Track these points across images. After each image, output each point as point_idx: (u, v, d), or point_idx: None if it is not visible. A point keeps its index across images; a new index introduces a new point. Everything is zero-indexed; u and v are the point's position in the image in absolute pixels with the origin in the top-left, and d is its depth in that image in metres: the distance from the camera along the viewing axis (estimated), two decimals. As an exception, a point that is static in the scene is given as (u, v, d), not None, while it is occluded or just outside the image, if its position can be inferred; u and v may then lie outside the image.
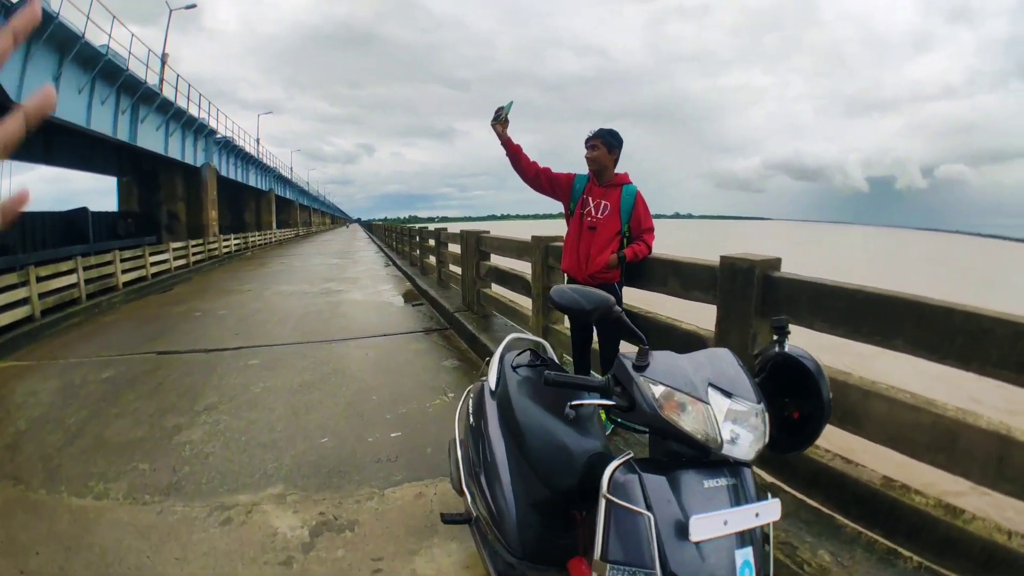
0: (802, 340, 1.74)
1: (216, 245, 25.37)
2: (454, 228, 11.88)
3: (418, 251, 14.40)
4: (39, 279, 10.30)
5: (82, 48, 15.13)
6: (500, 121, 3.83)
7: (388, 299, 11.31)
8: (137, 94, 19.60)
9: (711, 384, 1.42)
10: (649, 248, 3.88)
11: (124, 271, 14.68)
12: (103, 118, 17.88)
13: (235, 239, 29.79)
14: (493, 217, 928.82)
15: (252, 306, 11.06)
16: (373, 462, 3.93)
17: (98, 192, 28.58)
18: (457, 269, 9.48)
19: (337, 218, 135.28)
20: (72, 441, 4.51)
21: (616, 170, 3.90)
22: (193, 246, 21.54)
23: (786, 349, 1.57)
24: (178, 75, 23.63)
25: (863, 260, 52.58)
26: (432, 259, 12.27)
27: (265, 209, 47.60)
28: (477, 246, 7.40)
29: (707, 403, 1.38)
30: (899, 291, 2.46)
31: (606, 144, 3.80)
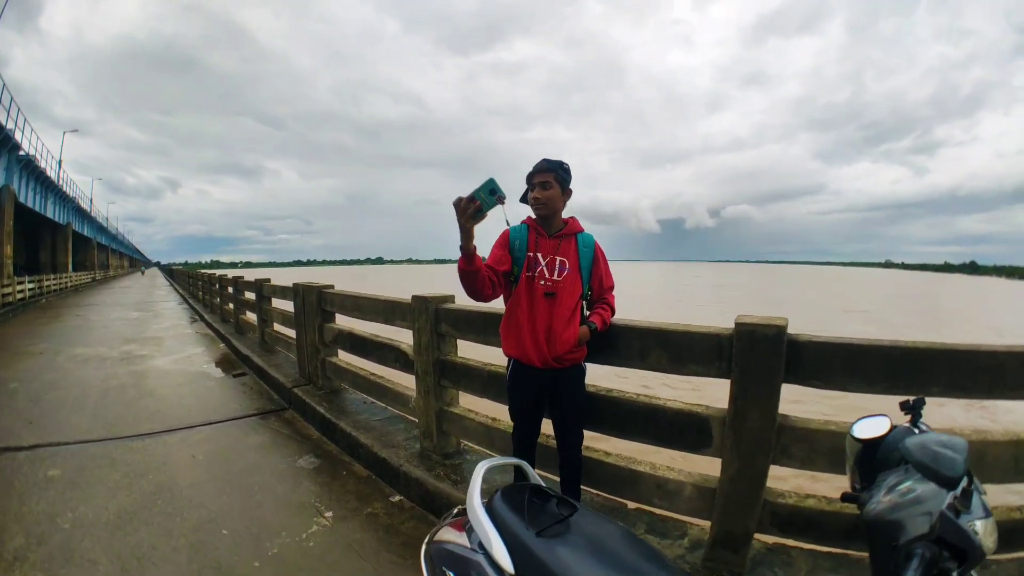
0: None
1: (10, 290, 21.29)
2: (258, 274, 10.75)
3: (231, 305, 12.46)
4: None
5: None
6: (475, 215, 2.47)
7: (202, 367, 9.57)
8: None
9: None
10: (613, 312, 3.06)
11: None
12: None
13: (29, 283, 24.69)
14: (299, 263, 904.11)
15: (45, 377, 9.11)
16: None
17: None
18: (286, 331, 7.93)
19: (136, 260, 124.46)
20: None
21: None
22: None
23: (926, 432, 1.35)
24: None
25: (659, 288, 56.26)
26: (250, 316, 10.54)
27: (61, 247, 41.14)
28: (319, 304, 6.04)
29: None
30: (931, 341, 2.48)
31: (559, 181, 2.88)
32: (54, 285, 31.17)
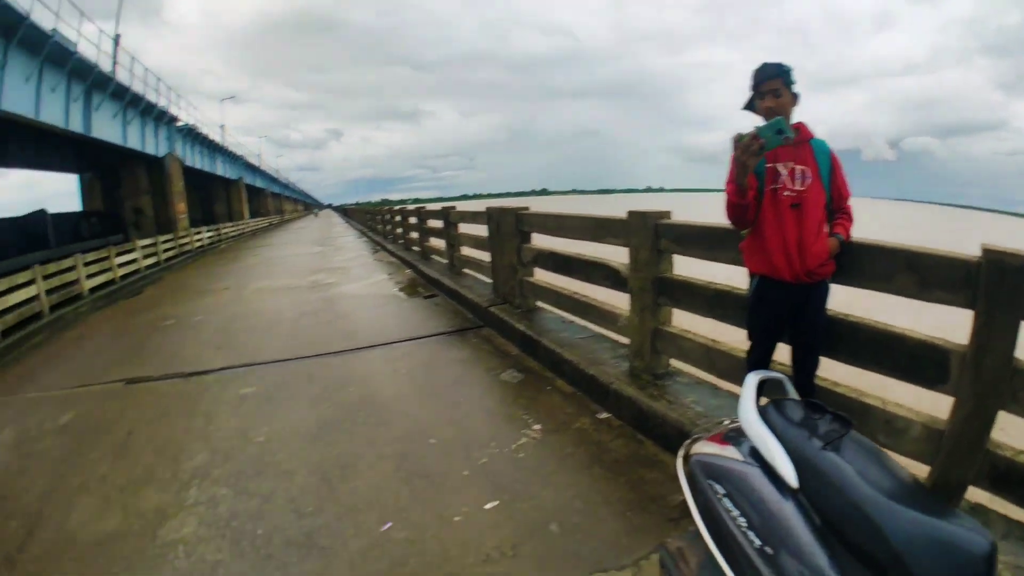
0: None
1: (187, 240, 24.05)
2: (429, 208, 10.91)
3: (415, 234, 12.91)
4: None
5: (28, 31, 13.50)
6: (759, 151, 2.36)
7: (392, 290, 9.84)
8: (89, 80, 17.96)
9: None
10: (852, 223, 2.76)
11: (89, 276, 13.35)
12: (53, 108, 16.23)
13: (207, 232, 28.26)
14: (465, 196, 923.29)
15: (232, 309, 9.59)
16: (480, 563, 2.58)
17: (69, 194, 27.04)
18: (476, 254, 8.08)
19: (309, 204, 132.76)
20: (31, 537, 3.18)
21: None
22: (163, 242, 20.19)
23: None
24: (133, 57, 21.74)
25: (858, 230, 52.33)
26: (436, 242, 10.86)
27: (236, 199, 46.02)
28: (516, 226, 5.98)
29: None
30: None
31: (787, 85, 2.59)
32: (232, 232, 34.71)
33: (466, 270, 8.80)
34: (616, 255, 4.45)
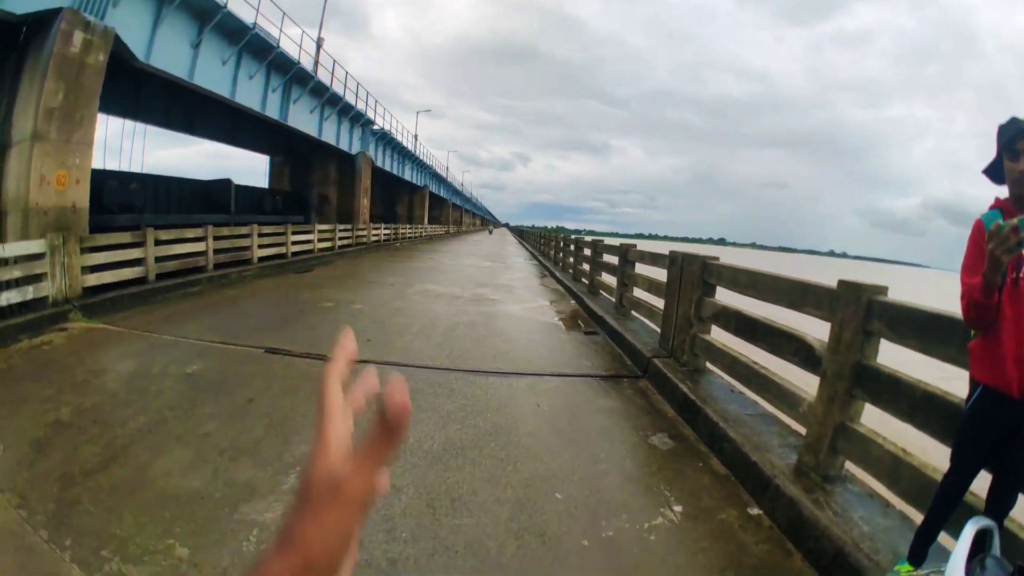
0: None
1: (365, 232, 25.65)
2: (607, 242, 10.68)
3: (586, 265, 12.62)
4: (160, 242, 10.08)
5: (224, 19, 14.79)
6: (1015, 247, 1.89)
7: (552, 319, 9.63)
8: (289, 74, 19.56)
9: None
10: None
11: (261, 246, 14.51)
12: (250, 93, 17.78)
13: (385, 228, 30.34)
14: (640, 235, 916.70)
15: (392, 304, 9.84)
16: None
17: (255, 172, 30.10)
18: (648, 298, 7.61)
19: (486, 220, 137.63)
20: (104, 469, 3.29)
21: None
22: (341, 230, 21.70)
23: None
24: (335, 61, 23.58)
25: None
26: (607, 279, 10.49)
27: (418, 204, 49.02)
28: (701, 275, 5.48)
29: None
30: None
31: None
32: (409, 233, 37.44)
33: (634, 313, 8.35)
34: (811, 328, 3.93)
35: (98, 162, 21.27)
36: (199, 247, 11.57)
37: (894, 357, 3.18)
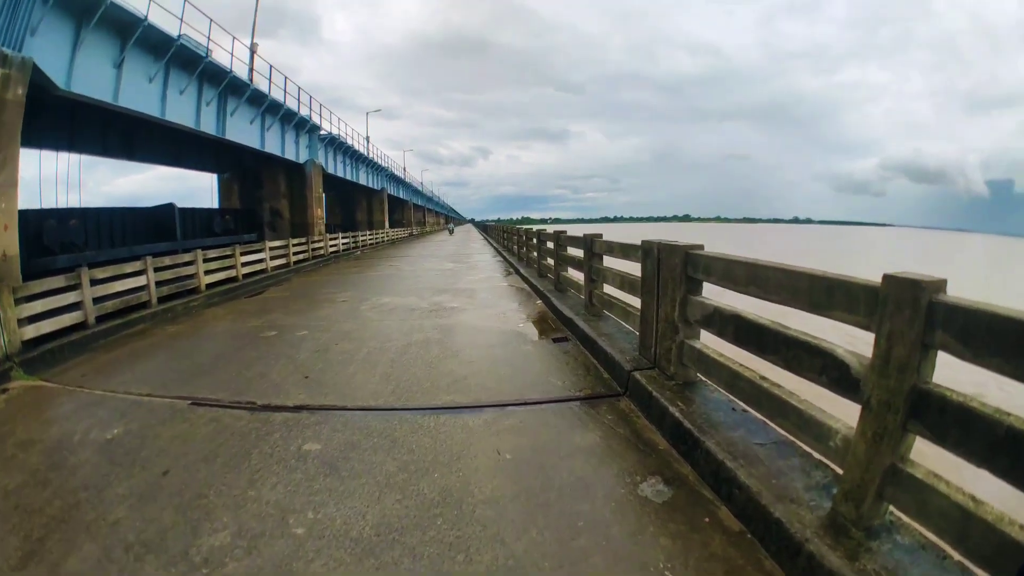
0: None
1: (321, 244, 24.81)
2: (569, 231, 10.14)
3: (550, 260, 11.63)
4: (96, 281, 9.27)
5: (146, 33, 13.88)
6: None
7: (517, 326, 8.62)
8: (223, 84, 18.54)
9: None
10: None
11: (209, 271, 13.57)
12: (182, 109, 16.85)
13: (343, 238, 29.44)
14: (606, 219, 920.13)
15: (341, 326, 8.96)
16: None
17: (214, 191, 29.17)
18: (622, 296, 6.63)
19: (450, 218, 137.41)
20: (20, 569, 2.97)
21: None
22: (295, 245, 20.79)
23: None
24: (271, 66, 22.52)
25: None
26: (574, 274, 9.51)
27: (377, 208, 48.27)
28: (683, 270, 4.49)
29: None
30: None
31: None
32: (369, 239, 36.47)
33: (607, 312, 7.33)
34: (840, 335, 3.05)
35: (49, 199, 20.38)
36: (140, 281, 10.68)
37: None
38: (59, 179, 20.67)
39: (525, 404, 5.05)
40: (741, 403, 3.97)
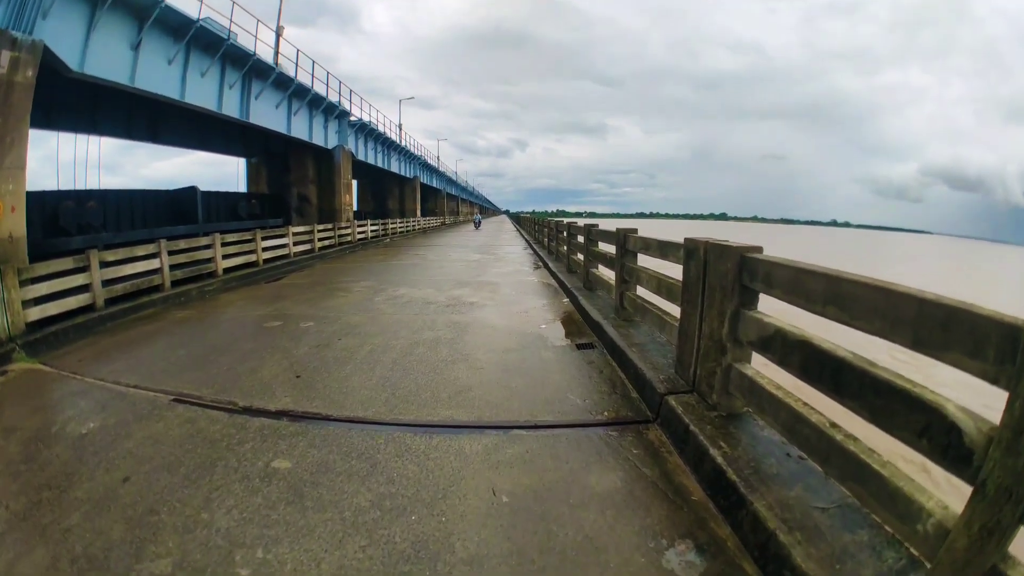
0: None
1: (348, 231, 24.30)
2: (602, 225, 9.31)
3: (580, 255, 10.81)
4: (106, 264, 9.39)
5: (164, 14, 13.60)
6: None
7: (539, 327, 7.78)
8: (246, 67, 18.16)
9: None
10: None
11: (227, 256, 13.23)
12: (203, 91, 16.53)
13: (371, 225, 28.91)
14: (642, 215, 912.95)
15: (348, 319, 8.33)
16: None
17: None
18: (658, 301, 5.79)
19: (486, 209, 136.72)
20: None
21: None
22: (320, 231, 20.38)
23: None
24: (298, 51, 22.02)
25: None
26: (604, 273, 8.67)
27: (409, 196, 47.88)
28: (738, 277, 3.65)
29: None
30: None
31: None
32: (400, 227, 36.18)
33: (639, 318, 6.48)
34: (949, 385, 2.41)
35: (79, 182, 20.45)
36: (153, 264, 10.38)
37: None
38: (98, 162, 20.83)
39: (535, 427, 4.24)
40: (797, 448, 3.15)
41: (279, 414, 4.57)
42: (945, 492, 2.29)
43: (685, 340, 4.46)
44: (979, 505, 1.85)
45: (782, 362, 3.14)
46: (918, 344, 2.22)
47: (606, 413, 4.53)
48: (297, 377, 5.51)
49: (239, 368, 5.88)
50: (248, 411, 4.66)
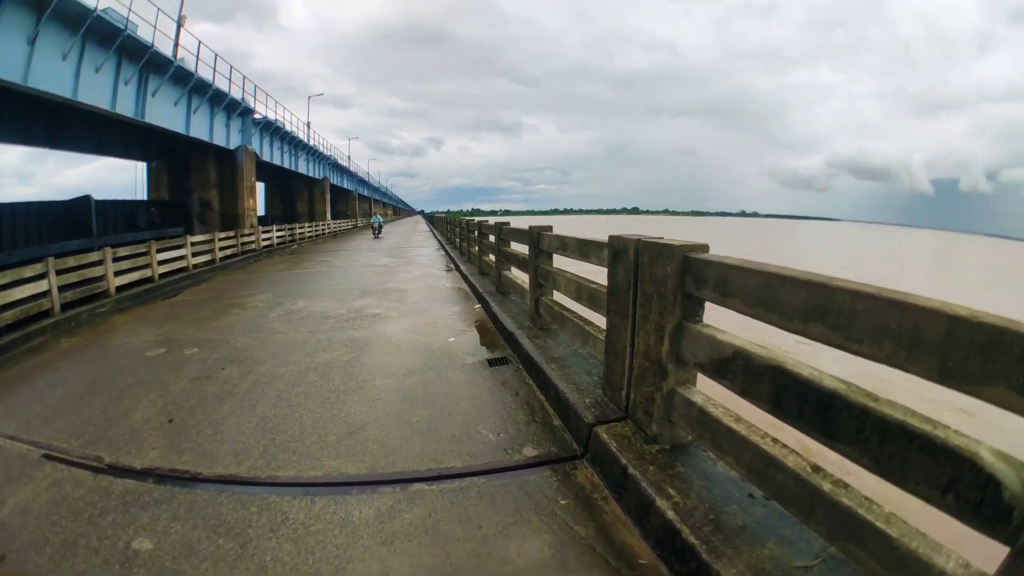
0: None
1: (252, 238, 22.76)
2: (516, 223, 8.49)
3: (491, 256, 10.08)
4: None
5: (62, 3, 12.45)
6: None
7: (447, 340, 6.99)
8: (143, 60, 16.81)
9: None
10: None
11: (120, 272, 11.92)
12: (97, 88, 15.26)
13: (277, 231, 27.03)
14: (556, 212, 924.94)
15: (236, 341, 7.38)
16: None
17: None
18: (579, 308, 5.08)
19: (400, 209, 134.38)
20: None
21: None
22: (222, 239, 18.90)
23: None
24: (200, 42, 20.64)
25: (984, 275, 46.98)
26: (518, 275, 7.94)
27: (319, 198, 46.13)
28: (679, 282, 2.95)
29: None
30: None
31: None
32: (308, 232, 34.07)
33: (559, 328, 5.74)
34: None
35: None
36: (41, 287, 9.17)
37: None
38: (9, 171, 19.28)
39: (439, 479, 3.45)
40: (763, 493, 2.51)
41: (145, 473, 3.74)
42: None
43: (614, 357, 3.76)
44: (1017, 570, 1.45)
45: (746, 392, 2.45)
46: (946, 376, 1.60)
47: (525, 451, 3.77)
48: (170, 422, 4.63)
49: (112, 411, 4.98)
50: (113, 469, 3.82)
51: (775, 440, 2.42)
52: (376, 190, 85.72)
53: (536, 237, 6.24)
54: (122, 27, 15.09)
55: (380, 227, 38.15)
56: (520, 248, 7.74)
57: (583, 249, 4.81)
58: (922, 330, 1.68)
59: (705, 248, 2.99)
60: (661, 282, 3.09)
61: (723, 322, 2.83)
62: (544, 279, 6.11)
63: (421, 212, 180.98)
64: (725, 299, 2.62)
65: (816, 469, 2.17)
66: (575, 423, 3.86)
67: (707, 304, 2.93)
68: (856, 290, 1.89)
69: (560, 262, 6.01)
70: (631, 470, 2.97)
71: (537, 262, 6.25)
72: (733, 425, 2.59)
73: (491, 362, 5.88)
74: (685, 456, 3.08)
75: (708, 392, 2.99)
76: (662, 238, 3.31)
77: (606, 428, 3.48)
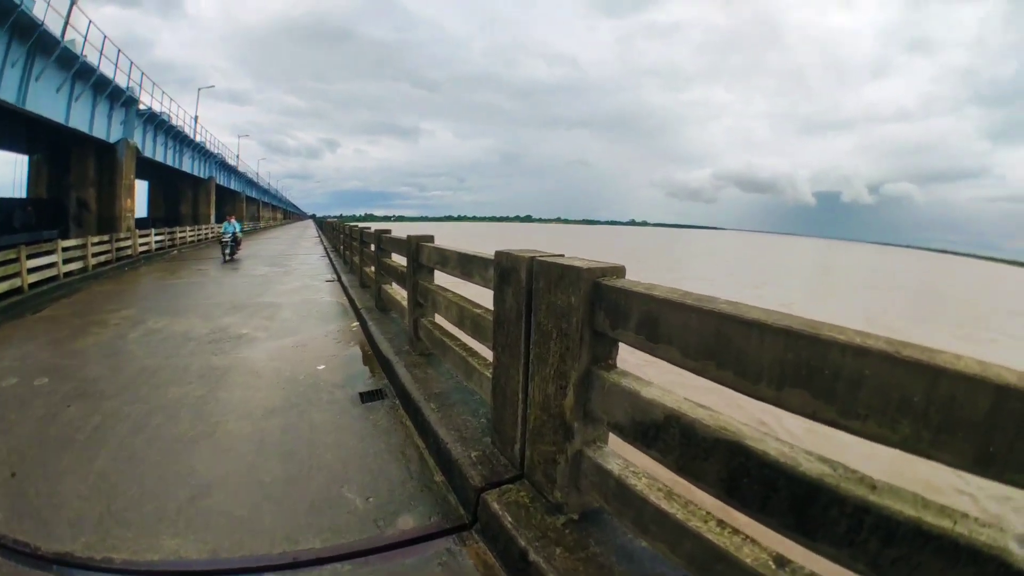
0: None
1: (129, 243, 20.61)
2: (410, 229, 7.54)
3: (372, 268, 9.15)
4: None
5: None
6: None
7: (317, 369, 6.12)
8: (31, 40, 15.12)
9: None
10: None
11: None
12: None
13: (156, 235, 24.84)
14: (450, 218, 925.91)
15: (88, 370, 6.31)
16: None
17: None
18: (465, 337, 4.36)
19: (291, 213, 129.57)
20: None
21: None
22: (95, 244, 17.10)
23: None
24: (90, 21, 18.60)
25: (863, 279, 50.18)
26: (398, 291, 7.13)
27: (203, 200, 42.85)
28: (588, 316, 2.28)
29: None
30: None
31: None
32: (190, 237, 31.50)
33: (440, 353, 4.97)
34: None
35: None
36: None
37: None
38: None
39: (293, 567, 2.67)
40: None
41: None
42: None
43: (504, 403, 3.05)
44: None
45: (684, 469, 1.81)
46: (983, 463, 1.09)
47: (400, 522, 2.99)
48: (12, 475, 3.71)
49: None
50: None
51: (721, 524, 1.81)
52: (266, 192, 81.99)
53: (415, 249, 5.45)
54: (18, 2, 13.63)
55: (236, 243, 21.56)
56: (401, 260, 6.94)
57: (465, 266, 4.08)
58: (960, 406, 1.11)
59: (621, 271, 2.34)
60: (563, 315, 2.42)
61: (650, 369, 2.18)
62: (423, 298, 5.34)
63: (313, 216, 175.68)
64: (654, 345, 1.94)
65: (781, 563, 1.57)
66: (459, 482, 3.14)
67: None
68: (861, 345, 1.28)
69: (445, 279, 5.26)
70: (532, 555, 2.28)
71: (416, 278, 5.46)
72: (664, 505, 1.96)
73: (364, 396, 5.09)
74: (599, 530, 2.43)
75: (626, 452, 2.35)
76: (563, 256, 2.64)
77: (498, 494, 2.77)
